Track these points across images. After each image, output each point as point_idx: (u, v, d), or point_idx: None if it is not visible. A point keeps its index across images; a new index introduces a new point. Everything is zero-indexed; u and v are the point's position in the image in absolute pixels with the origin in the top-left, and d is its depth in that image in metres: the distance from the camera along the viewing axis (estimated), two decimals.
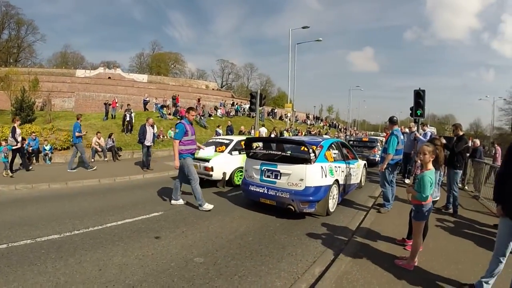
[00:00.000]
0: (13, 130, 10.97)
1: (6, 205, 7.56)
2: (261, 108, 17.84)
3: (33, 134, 13.59)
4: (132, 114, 20.03)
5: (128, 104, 23.10)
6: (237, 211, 7.21)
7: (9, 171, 10.45)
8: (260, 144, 9.41)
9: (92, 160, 14.01)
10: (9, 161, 10.63)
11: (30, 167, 11.79)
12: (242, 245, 5.25)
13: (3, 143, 11.35)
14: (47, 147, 13.40)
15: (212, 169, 9.38)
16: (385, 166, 7.28)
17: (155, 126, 15.93)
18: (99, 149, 14.66)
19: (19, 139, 11.07)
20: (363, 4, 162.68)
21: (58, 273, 4.11)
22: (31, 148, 12.98)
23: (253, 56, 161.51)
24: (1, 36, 70.09)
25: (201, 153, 8.44)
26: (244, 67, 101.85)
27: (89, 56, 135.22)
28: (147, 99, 29.41)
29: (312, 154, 6.45)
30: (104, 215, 6.74)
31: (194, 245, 5.17)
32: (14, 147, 10.83)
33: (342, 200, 8.15)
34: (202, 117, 25.71)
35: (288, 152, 7.42)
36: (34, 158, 13.18)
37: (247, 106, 30.89)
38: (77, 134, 11.83)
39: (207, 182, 9.62)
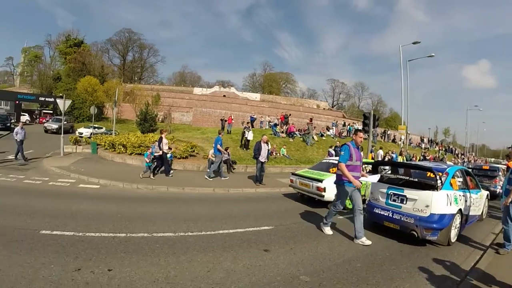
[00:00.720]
0: (160, 140, 12.46)
1: (128, 201, 8.51)
2: (373, 129, 16.69)
3: (156, 142, 15.03)
4: (250, 132, 20.81)
5: (248, 122, 24.28)
6: (346, 235, 6.72)
7: (151, 174, 11.92)
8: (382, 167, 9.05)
9: (208, 170, 14.80)
10: (153, 167, 12.17)
11: (171, 174, 13.10)
12: (349, 271, 4.88)
13: (148, 150, 12.93)
14: (168, 155, 14.60)
15: (324, 189, 9.07)
16: (510, 200, 6.14)
17: (269, 143, 16.21)
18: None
19: (165, 148, 12.53)
20: (473, 10, 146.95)
21: (169, 267, 4.35)
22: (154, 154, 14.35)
23: (362, 75, 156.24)
24: (127, 58, 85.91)
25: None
26: (355, 86, 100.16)
27: (205, 75, 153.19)
28: (254, 116, 30.55)
29: (439, 181, 6.33)
30: (217, 222, 6.94)
31: (302, 263, 5.00)
32: (156, 154, 12.30)
33: (459, 234, 7.19)
34: (307, 135, 25.37)
35: (415, 177, 7.16)
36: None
37: (359, 126, 29.67)
38: (218, 147, 13.07)
39: (318, 203, 9.35)
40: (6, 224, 6.12)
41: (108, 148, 17.71)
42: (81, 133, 27.30)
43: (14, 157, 15.00)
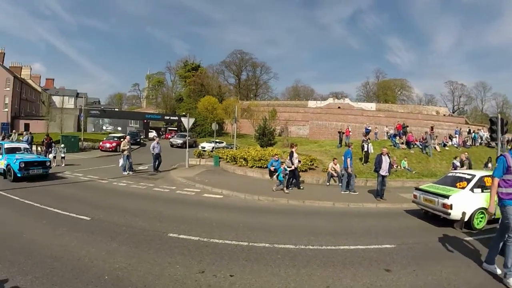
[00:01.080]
0: (291, 154, 12.77)
1: (250, 211, 8.91)
2: (502, 136, 14.09)
3: (276, 156, 15.38)
4: (370, 145, 19.88)
5: (366, 136, 23.26)
6: (474, 258, 5.80)
7: (284, 187, 12.18)
8: None
9: (327, 184, 14.55)
10: (285, 182, 12.35)
11: (301, 187, 13.33)
12: None
13: (282, 165, 13.35)
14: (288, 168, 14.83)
15: (451, 207, 8.02)
16: None
17: (389, 155, 15.18)
18: (335, 174, 15.13)
19: (296, 162, 12.78)
20: None
21: (289, 279, 4.37)
22: (273, 168, 14.65)
23: (481, 73, 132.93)
24: (241, 77, 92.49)
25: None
26: (475, 87, 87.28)
27: (317, 88, 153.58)
28: (369, 127, 28.88)
29: None
30: (338, 237, 6.76)
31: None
32: (289, 169, 12.56)
33: None
34: (427, 145, 22.83)
35: None
36: (275, 176, 14.81)
37: (485, 134, 26.39)
38: (348, 161, 12.85)
39: (443, 221, 8.37)
40: (138, 226, 6.98)
41: (229, 161, 18.73)
42: (204, 147, 29.77)
43: (155, 171, 16.90)
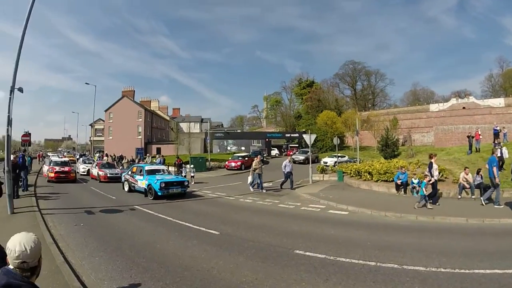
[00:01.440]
0: (430, 165, 11.80)
1: (377, 229, 8.40)
2: None
3: (402, 168, 14.36)
4: (504, 149, 16.97)
5: (497, 139, 20.12)
6: None
7: (427, 203, 11.17)
8: None
9: (459, 197, 12.92)
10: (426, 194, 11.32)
11: (438, 202, 12.06)
12: None
13: (414, 177, 12.42)
14: (415, 181, 13.70)
15: None
16: None
17: None
18: (467, 186, 13.31)
19: (436, 173, 11.70)
20: None
21: None
22: (400, 181, 13.70)
23: None
24: (356, 87, 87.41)
25: None
26: None
27: (437, 89, 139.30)
28: (497, 128, 24.29)
29: None
30: (472, 258, 5.94)
31: None
32: (428, 183, 11.55)
33: None
34: None
35: None
36: (402, 190, 13.81)
37: None
38: (494, 169, 11.06)
39: None
40: (265, 241, 7.24)
41: (353, 175, 18.18)
42: (326, 162, 29.57)
43: (281, 188, 17.05)
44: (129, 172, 18.37)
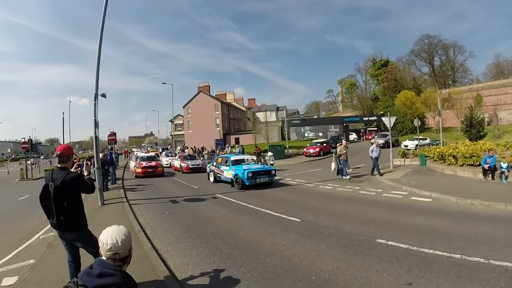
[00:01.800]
0: None
1: (462, 218, 8.00)
2: None
3: (490, 151, 13.23)
4: None
5: None
6: None
7: None
8: None
9: None
10: None
11: None
12: None
13: (503, 160, 11.75)
14: (504, 165, 12.53)
15: None
16: None
17: None
18: None
19: None
20: None
21: None
22: (487, 166, 12.71)
23: None
24: (434, 63, 78.96)
25: None
26: None
27: None
28: None
29: None
30: None
31: None
32: None
33: None
34: None
35: None
36: (490, 175, 12.79)
37: None
38: None
39: None
40: (346, 229, 7.28)
41: (437, 159, 17.24)
42: (407, 146, 28.23)
43: (370, 173, 16.56)
44: (214, 163, 18.33)
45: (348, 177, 15.91)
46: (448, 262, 5.02)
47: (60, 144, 61.34)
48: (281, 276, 4.89)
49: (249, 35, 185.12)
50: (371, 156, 16.51)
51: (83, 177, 4.41)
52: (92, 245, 4.13)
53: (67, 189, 4.01)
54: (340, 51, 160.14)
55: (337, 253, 5.75)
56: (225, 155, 19.26)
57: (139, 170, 21.53)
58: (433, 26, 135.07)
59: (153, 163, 22.65)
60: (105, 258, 2.12)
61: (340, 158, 16.13)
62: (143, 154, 27.13)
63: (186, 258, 5.98)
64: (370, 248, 5.86)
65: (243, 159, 17.26)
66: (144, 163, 22.18)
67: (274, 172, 15.63)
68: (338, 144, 18.92)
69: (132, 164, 25.11)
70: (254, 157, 19.77)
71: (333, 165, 17.16)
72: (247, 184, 14.31)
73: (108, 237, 2.13)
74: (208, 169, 19.04)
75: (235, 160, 16.70)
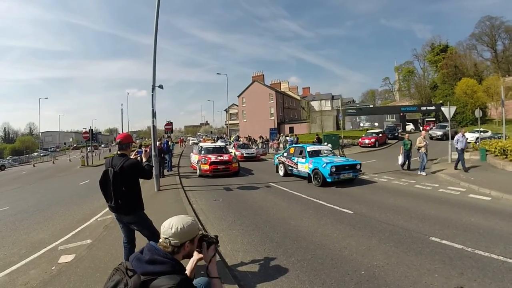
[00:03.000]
0: None
1: None
2: None
3: None
4: None
5: None
6: None
7: None
8: None
9: None
10: None
11: None
12: None
13: None
14: None
15: None
16: None
17: None
18: None
19: None
20: None
21: None
22: None
23: None
24: (497, 48, 70.31)
25: None
26: None
27: None
28: None
29: None
30: None
31: None
32: None
33: None
34: None
35: None
36: None
37: None
38: None
39: None
40: (399, 224, 7.09)
41: (498, 154, 15.96)
42: (467, 138, 26.32)
43: (454, 168, 14.75)
44: (285, 154, 15.80)
45: (424, 173, 14.40)
46: (503, 267, 4.75)
47: (119, 133, 65.10)
48: (330, 268, 4.85)
49: (302, 23, 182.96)
50: (456, 148, 14.70)
51: (141, 163, 4.55)
52: (148, 228, 4.43)
53: (126, 174, 4.16)
54: (397, 36, 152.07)
55: (388, 248, 5.61)
56: (300, 145, 16.92)
57: (206, 167, 15.68)
58: (495, 6, 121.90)
59: (226, 157, 16.41)
60: (160, 241, 2.17)
61: (420, 150, 14.49)
62: (209, 145, 20.19)
63: (237, 244, 6.07)
64: (423, 246, 5.66)
65: (320, 150, 14.65)
66: (213, 158, 16.06)
67: (359, 166, 13.05)
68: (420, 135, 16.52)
69: (194, 158, 18.43)
70: (330, 147, 16.50)
71: (400, 158, 15.75)
72: (329, 180, 12.07)
73: (167, 222, 2.18)
74: (276, 161, 16.93)
75: (312, 151, 14.17)
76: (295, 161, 14.57)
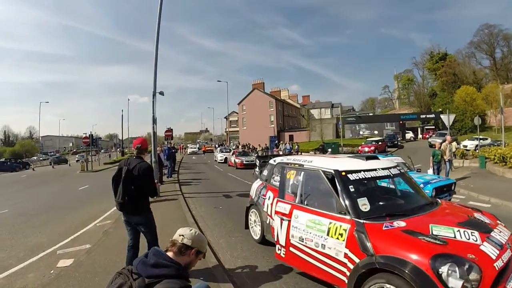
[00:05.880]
0: None
1: None
2: None
3: None
4: None
5: None
6: None
7: None
8: None
9: None
10: None
11: None
12: None
13: None
14: None
15: None
16: None
17: None
18: None
19: None
20: None
21: None
22: None
23: None
24: (495, 56, 70.92)
25: None
26: None
27: None
28: None
29: None
30: None
31: None
32: None
33: None
34: None
35: None
36: None
37: None
38: None
39: None
40: None
41: (498, 161, 15.93)
42: (466, 146, 26.41)
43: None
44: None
45: None
46: None
47: (119, 139, 65.78)
48: None
49: (301, 31, 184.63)
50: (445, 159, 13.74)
51: (153, 171, 4.81)
52: (152, 233, 4.60)
53: (137, 175, 4.37)
54: (395, 45, 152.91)
55: None
56: (370, 154, 12.73)
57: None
58: (493, 15, 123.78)
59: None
60: (173, 238, 2.31)
61: (445, 157, 13.47)
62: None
63: (236, 251, 6.05)
64: None
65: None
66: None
67: (453, 186, 9.58)
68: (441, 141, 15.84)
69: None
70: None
71: (430, 172, 12.88)
72: None
73: (187, 227, 2.40)
74: None
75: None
76: None
